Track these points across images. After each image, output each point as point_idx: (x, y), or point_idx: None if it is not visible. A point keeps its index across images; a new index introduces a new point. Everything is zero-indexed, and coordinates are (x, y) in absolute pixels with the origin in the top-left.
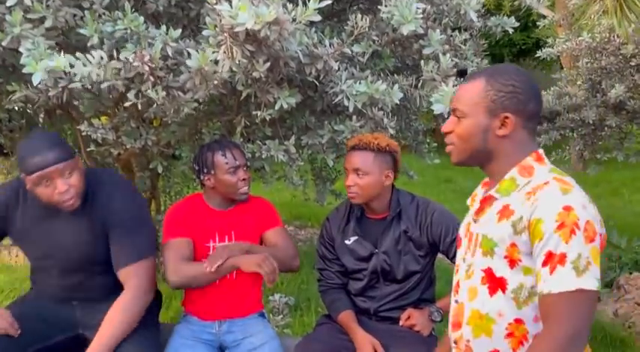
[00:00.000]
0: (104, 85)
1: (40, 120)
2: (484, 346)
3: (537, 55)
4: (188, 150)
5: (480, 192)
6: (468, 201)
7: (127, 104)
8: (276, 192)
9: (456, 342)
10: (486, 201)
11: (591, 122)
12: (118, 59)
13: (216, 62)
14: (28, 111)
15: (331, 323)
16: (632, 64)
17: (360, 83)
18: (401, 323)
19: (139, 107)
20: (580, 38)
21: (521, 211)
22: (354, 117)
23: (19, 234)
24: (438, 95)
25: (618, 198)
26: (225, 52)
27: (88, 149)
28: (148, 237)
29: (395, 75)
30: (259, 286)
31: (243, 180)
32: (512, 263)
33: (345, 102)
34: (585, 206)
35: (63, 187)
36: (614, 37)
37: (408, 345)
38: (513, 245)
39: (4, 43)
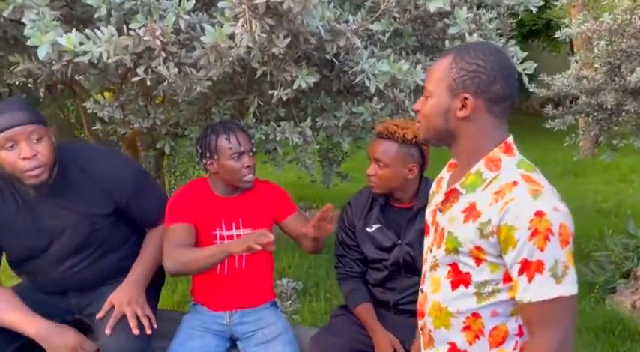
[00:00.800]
0: (111, 60)
1: (41, 95)
2: (442, 337)
3: (555, 36)
4: (197, 131)
5: (445, 175)
6: (433, 186)
7: (134, 79)
8: (282, 172)
9: (421, 329)
10: (451, 194)
11: (609, 107)
12: (128, 34)
13: (231, 37)
14: (29, 85)
15: (347, 314)
16: None
17: (382, 62)
18: None
19: (148, 84)
20: (600, 19)
21: (488, 214)
22: (375, 98)
23: (2, 232)
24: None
25: (627, 184)
26: (243, 26)
27: (94, 127)
28: (158, 190)
29: (416, 54)
30: (270, 274)
31: (248, 166)
32: (478, 261)
33: (367, 83)
34: (556, 208)
35: (28, 152)
36: (635, 18)
37: None
38: (478, 248)
39: (5, 14)
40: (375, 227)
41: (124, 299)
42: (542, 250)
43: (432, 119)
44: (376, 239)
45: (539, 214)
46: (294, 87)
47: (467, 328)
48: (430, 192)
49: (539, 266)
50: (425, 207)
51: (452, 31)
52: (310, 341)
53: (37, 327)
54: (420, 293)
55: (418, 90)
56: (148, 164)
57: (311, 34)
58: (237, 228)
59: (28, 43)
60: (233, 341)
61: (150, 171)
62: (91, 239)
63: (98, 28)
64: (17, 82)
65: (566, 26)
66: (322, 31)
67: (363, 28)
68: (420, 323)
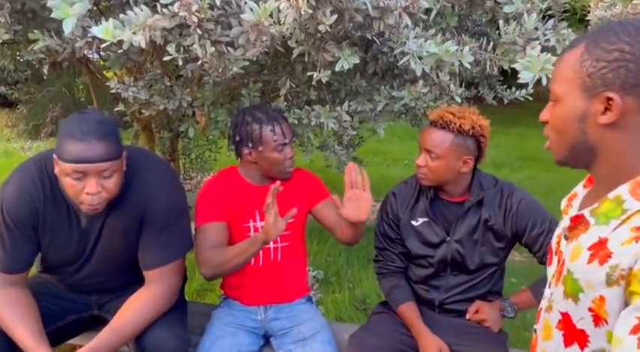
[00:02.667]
0: (138, 38)
1: (45, 72)
2: None
3: (587, 18)
4: (224, 114)
5: (580, 192)
6: (563, 203)
7: (166, 58)
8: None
9: None
10: (578, 220)
11: None
12: (163, 13)
13: (270, 14)
14: (33, 62)
15: (389, 312)
16: None
17: (429, 43)
18: (468, 316)
19: (180, 63)
20: (634, 2)
21: (620, 256)
22: (421, 81)
23: (49, 240)
24: (526, 61)
25: None
26: (289, 1)
27: (116, 109)
28: (183, 232)
29: (461, 36)
30: (304, 266)
31: (290, 158)
32: (597, 320)
33: (412, 65)
34: None
35: (94, 189)
36: None
37: (477, 343)
38: (602, 298)
39: None
40: (421, 220)
41: None
42: None
43: (564, 130)
44: (422, 234)
45: None
46: (337, 68)
47: None
48: (562, 207)
49: None
50: (479, 203)
51: (507, 9)
52: (350, 341)
53: None
54: (533, 332)
55: (461, 75)
56: (163, 146)
57: (357, 10)
58: None
59: (53, 15)
60: (266, 339)
61: (165, 153)
62: (125, 255)
63: (126, 4)
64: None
65: (587, 10)
66: (370, 7)
67: (414, 6)
68: None
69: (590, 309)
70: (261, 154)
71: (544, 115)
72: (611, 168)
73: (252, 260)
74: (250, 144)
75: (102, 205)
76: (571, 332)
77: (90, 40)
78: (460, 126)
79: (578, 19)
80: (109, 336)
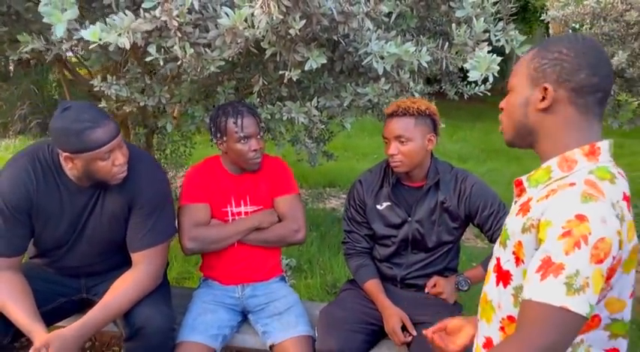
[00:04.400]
0: (123, 40)
1: (12, 69)
2: (483, 329)
3: (542, 18)
4: (200, 110)
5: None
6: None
7: (148, 59)
8: (266, 150)
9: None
10: (519, 186)
11: None
12: (144, 17)
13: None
14: (12, 60)
15: (355, 289)
16: (633, 31)
17: (389, 44)
18: (427, 290)
19: (161, 63)
20: (585, 2)
21: (535, 210)
22: (383, 79)
23: (43, 223)
24: (474, 61)
25: None
26: (262, 8)
27: (100, 105)
28: (167, 218)
29: (420, 36)
30: (278, 249)
31: (254, 150)
32: (517, 261)
33: (374, 64)
34: (606, 221)
35: (123, 158)
36: (617, 2)
37: (434, 313)
38: (520, 243)
39: None
40: (385, 205)
41: (57, 345)
42: (567, 254)
43: (513, 114)
44: (386, 216)
45: (580, 217)
46: (306, 68)
47: (502, 329)
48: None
49: (557, 269)
50: (436, 186)
51: (458, 14)
52: (320, 315)
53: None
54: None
55: (421, 72)
56: (138, 142)
57: (323, 15)
58: (246, 204)
59: (45, 20)
60: (244, 316)
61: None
62: (113, 237)
63: (108, 7)
64: None
65: (545, 9)
66: (335, 12)
67: (376, 11)
68: (478, 314)
69: (513, 252)
70: (228, 145)
71: (501, 104)
72: (549, 146)
73: None
74: (219, 135)
75: (126, 172)
76: (500, 272)
77: (75, 42)
78: (418, 107)
79: (537, 17)
80: (98, 313)
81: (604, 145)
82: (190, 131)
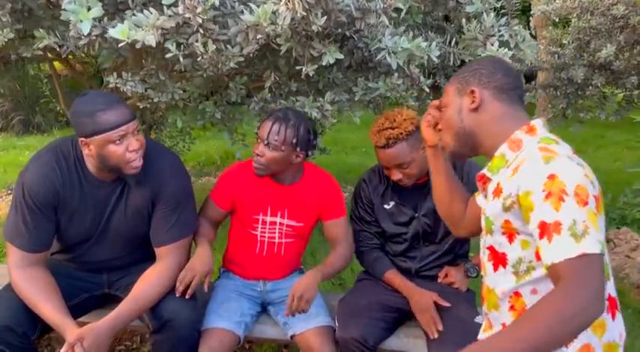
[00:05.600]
0: (149, 38)
1: None
2: (496, 319)
3: (532, 13)
4: (211, 105)
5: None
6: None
7: (168, 56)
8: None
9: (485, 315)
10: (482, 179)
11: (579, 81)
12: (169, 15)
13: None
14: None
15: (372, 278)
16: (619, 24)
17: (402, 39)
18: (439, 280)
19: (181, 60)
20: None
21: (508, 188)
22: (396, 74)
23: (68, 217)
24: (485, 56)
25: (581, 154)
26: (286, 4)
27: None
28: (191, 213)
29: (429, 32)
30: (303, 248)
31: (254, 152)
32: (511, 237)
33: (388, 59)
34: (571, 170)
35: (137, 144)
36: None
37: (450, 302)
38: (507, 222)
39: None
40: (392, 204)
41: (91, 338)
42: (557, 210)
43: (450, 125)
44: (394, 215)
45: (551, 177)
46: (324, 63)
47: (512, 308)
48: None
49: (556, 226)
50: None
51: (468, 9)
52: (339, 304)
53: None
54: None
55: (430, 67)
56: None
57: (341, 11)
58: (283, 217)
59: (71, 18)
60: (263, 308)
61: None
62: (136, 232)
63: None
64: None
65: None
66: (353, 8)
67: (391, 7)
68: (484, 309)
69: (503, 233)
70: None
71: (439, 126)
72: (491, 141)
73: (257, 248)
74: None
75: (141, 161)
76: (496, 258)
77: (94, 38)
78: (405, 129)
79: (521, 11)
80: (129, 305)
81: (538, 123)
82: (189, 127)
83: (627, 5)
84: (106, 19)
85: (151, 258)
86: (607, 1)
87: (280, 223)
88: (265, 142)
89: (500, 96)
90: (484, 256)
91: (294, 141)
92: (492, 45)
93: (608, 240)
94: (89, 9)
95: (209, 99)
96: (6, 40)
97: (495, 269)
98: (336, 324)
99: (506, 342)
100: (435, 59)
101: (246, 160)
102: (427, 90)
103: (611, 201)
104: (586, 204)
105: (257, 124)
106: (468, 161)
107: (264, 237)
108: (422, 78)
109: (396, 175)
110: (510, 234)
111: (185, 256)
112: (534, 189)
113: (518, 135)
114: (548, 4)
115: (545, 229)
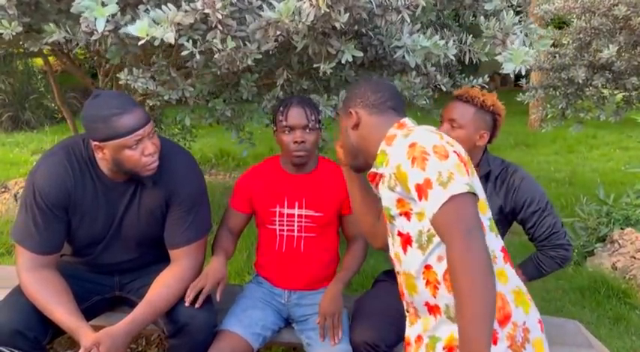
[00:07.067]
0: (169, 35)
1: None
2: (419, 302)
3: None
4: (221, 103)
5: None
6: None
7: (184, 53)
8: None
9: (407, 311)
10: (372, 178)
11: (580, 81)
12: (186, 11)
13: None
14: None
15: (390, 280)
16: (620, 25)
17: (421, 37)
18: None
19: (197, 57)
20: None
21: (387, 171)
22: (414, 72)
23: (79, 218)
24: (508, 54)
25: (575, 154)
26: (310, 1)
27: None
28: (205, 214)
29: (444, 30)
30: (333, 261)
31: (295, 142)
32: (408, 215)
33: (407, 57)
34: (427, 136)
35: (153, 148)
36: None
37: None
38: (398, 200)
39: None
40: None
41: (108, 343)
42: (424, 170)
43: (345, 144)
44: None
45: (412, 145)
46: (342, 60)
47: (427, 283)
48: None
49: (427, 183)
50: (486, 178)
51: (487, 6)
52: (355, 305)
53: (84, 339)
54: (397, 275)
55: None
56: None
57: (361, 8)
58: (301, 207)
59: (85, 14)
60: (287, 322)
61: None
62: (149, 233)
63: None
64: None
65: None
66: (374, 5)
67: (413, 3)
68: (405, 304)
69: (400, 213)
70: (276, 136)
71: (338, 153)
72: (374, 147)
73: (277, 244)
74: (273, 127)
75: (157, 163)
76: (403, 240)
77: (106, 34)
78: (483, 101)
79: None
80: (145, 309)
81: (407, 120)
82: (191, 124)
83: (629, 6)
84: (119, 14)
85: (162, 260)
86: (608, 1)
87: (299, 215)
88: (306, 127)
89: (372, 111)
90: (396, 245)
91: (320, 118)
92: (512, 43)
93: (612, 241)
94: (103, 4)
95: (218, 97)
96: (14, 33)
97: (405, 251)
98: (350, 326)
99: (468, 333)
100: (452, 57)
101: (257, 164)
102: (444, 88)
103: (613, 202)
104: (447, 157)
105: (266, 122)
106: (519, 170)
107: (283, 231)
108: (438, 76)
109: (443, 129)
110: (406, 212)
111: (201, 257)
112: (401, 160)
113: (392, 131)
114: (549, 3)
115: (420, 190)
